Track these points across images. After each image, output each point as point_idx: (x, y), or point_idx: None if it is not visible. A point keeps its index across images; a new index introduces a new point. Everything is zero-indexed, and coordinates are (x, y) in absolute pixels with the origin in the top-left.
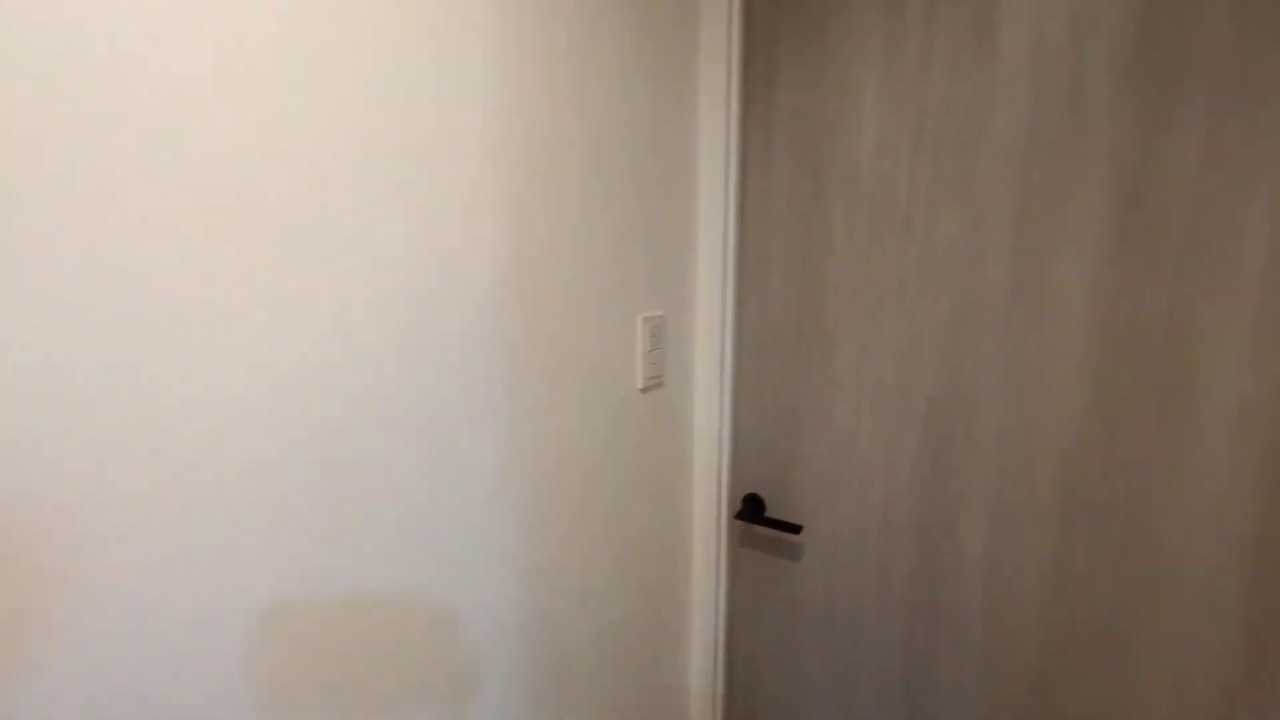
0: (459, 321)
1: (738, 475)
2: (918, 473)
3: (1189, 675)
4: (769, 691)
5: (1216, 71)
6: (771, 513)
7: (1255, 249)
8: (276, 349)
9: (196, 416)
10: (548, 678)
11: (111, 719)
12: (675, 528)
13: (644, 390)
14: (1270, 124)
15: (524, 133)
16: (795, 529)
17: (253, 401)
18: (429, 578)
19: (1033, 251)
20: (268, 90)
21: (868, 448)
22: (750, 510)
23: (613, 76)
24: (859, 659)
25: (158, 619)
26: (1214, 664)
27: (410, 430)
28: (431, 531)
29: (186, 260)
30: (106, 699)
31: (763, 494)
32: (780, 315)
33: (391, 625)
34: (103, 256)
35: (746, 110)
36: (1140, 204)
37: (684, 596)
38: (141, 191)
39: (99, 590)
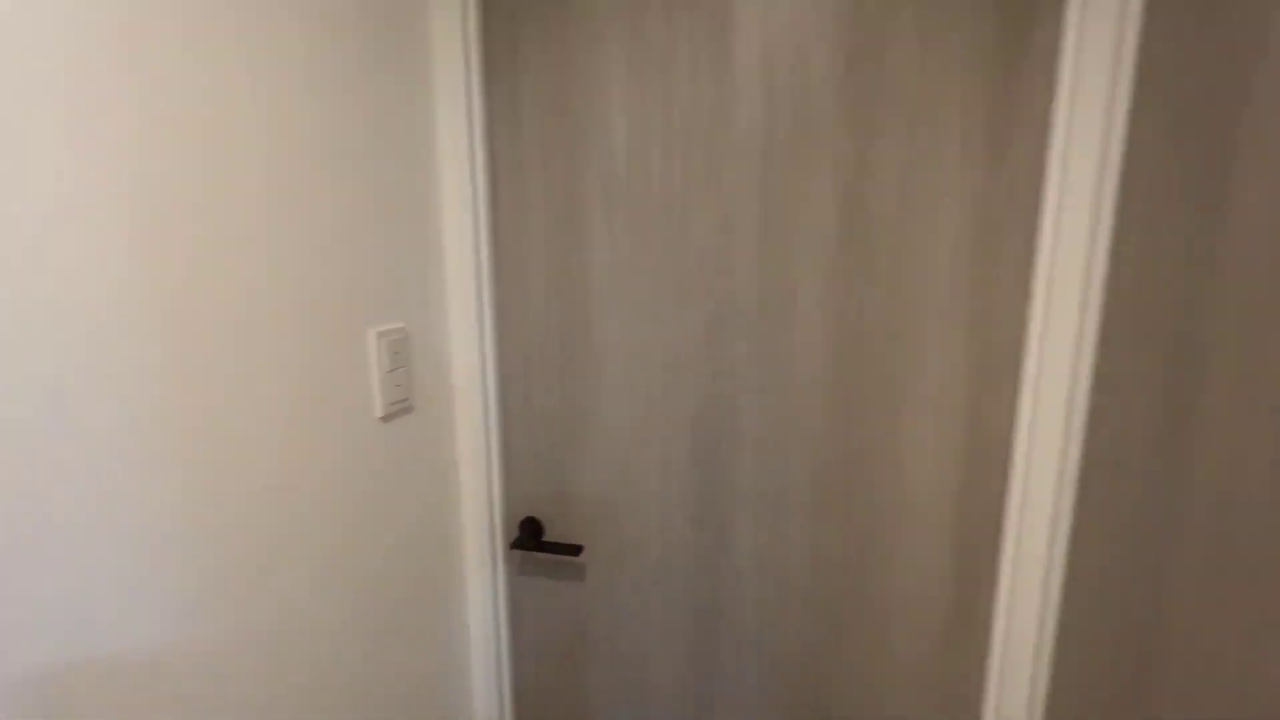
0: (63, 356)
1: (513, 500)
2: (691, 478)
3: (918, 628)
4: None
5: (908, 88)
6: (551, 535)
7: (943, 252)
8: None
9: None
10: None
11: None
12: (444, 566)
13: (386, 418)
14: (950, 139)
15: (163, 109)
16: (575, 550)
17: None
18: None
19: (777, 253)
20: None
21: (642, 458)
22: (528, 536)
23: (309, 48)
24: (649, 672)
25: None
26: (937, 614)
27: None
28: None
29: None
30: None
31: (541, 517)
32: (546, 324)
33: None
34: None
35: (490, 99)
36: (860, 209)
37: (461, 638)
38: None
39: None
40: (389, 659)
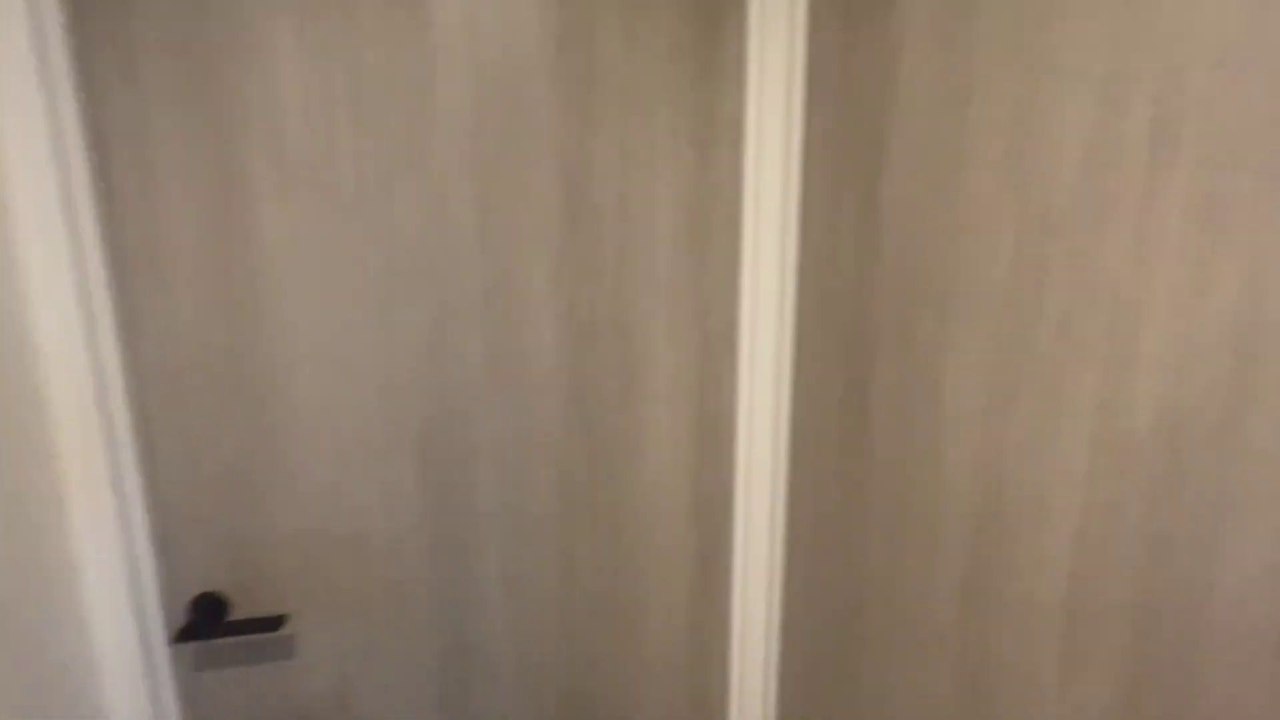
0: None
1: (176, 578)
2: (422, 505)
3: (669, 618)
4: None
5: (618, 79)
6: (241, 611)
7: (663, 245)
8: None
9: None
10: None
11: None
12: (65, 699)
13: None
14: (661, 135)
15: None
16: (275, 623)
17: None
18: None
19: (501, 244)
20: None
21: (359, 491)
22: (204, 620)
23: None
24: None
25: None
26: (684, 598)
27: None
28: None
29: None
30: None
31: (223, 590)
32: (205, 338)
33: None
34: None
35: (86, 45)
36: (583, 200)
37: None
38: None
39: None
40: None
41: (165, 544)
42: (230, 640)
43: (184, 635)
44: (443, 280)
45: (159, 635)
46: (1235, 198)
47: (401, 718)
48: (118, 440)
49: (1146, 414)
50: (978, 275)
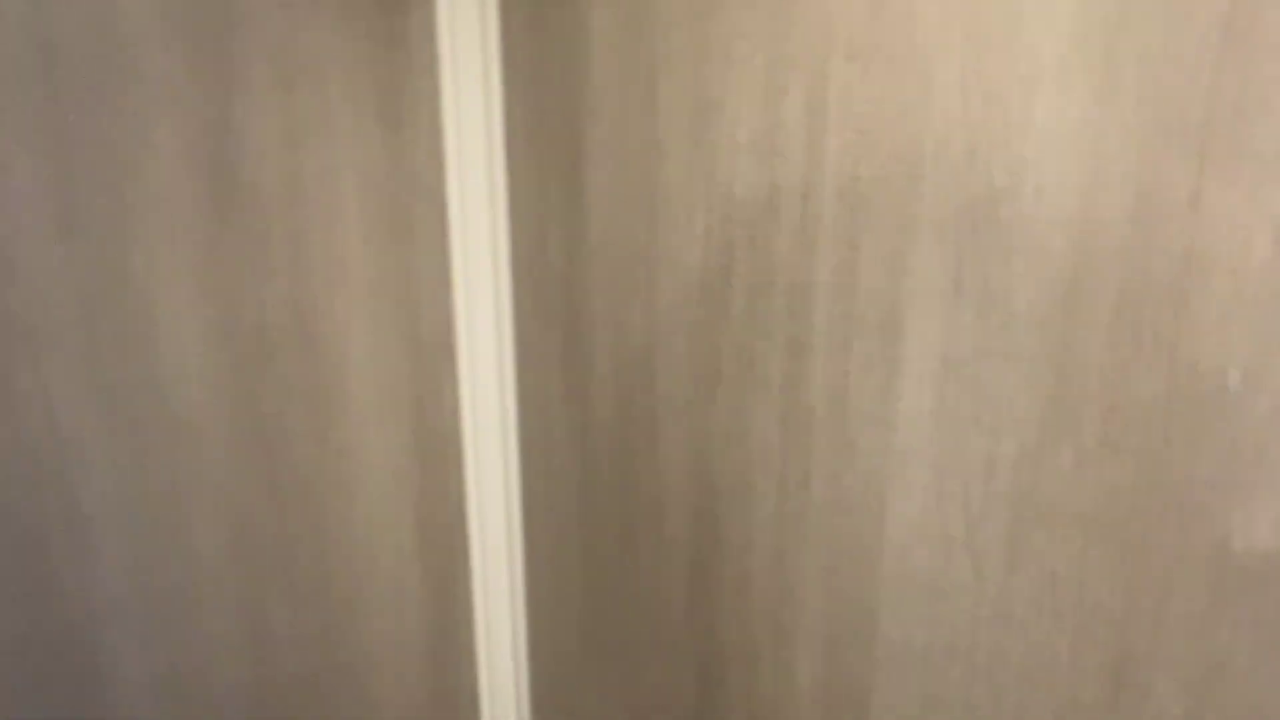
0: None
1: None
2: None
3: (401, 665)
4: None
5: (270, 33)
6: None
7: (353, 238)
8: None
9: None
10: None
11: None
12: None
13: None
14: (340, 109)
15: None
16: None
17: None
18: None
19: (103, 235)
20: None
21: None
22: None
23: None
24: None
25: None
26: (419, 647)
27: None
28: None
29: None
30: None
31: None
32: None
33: None
34: None
35: None
36: (233, 179)
37: None
38: None
39: None
40: None
41: None
42: None
43: None
44: (1, 289)
45: None
46: (875, 181)
47: None
48: None
49: (821, 391)
50: (676, 263)
